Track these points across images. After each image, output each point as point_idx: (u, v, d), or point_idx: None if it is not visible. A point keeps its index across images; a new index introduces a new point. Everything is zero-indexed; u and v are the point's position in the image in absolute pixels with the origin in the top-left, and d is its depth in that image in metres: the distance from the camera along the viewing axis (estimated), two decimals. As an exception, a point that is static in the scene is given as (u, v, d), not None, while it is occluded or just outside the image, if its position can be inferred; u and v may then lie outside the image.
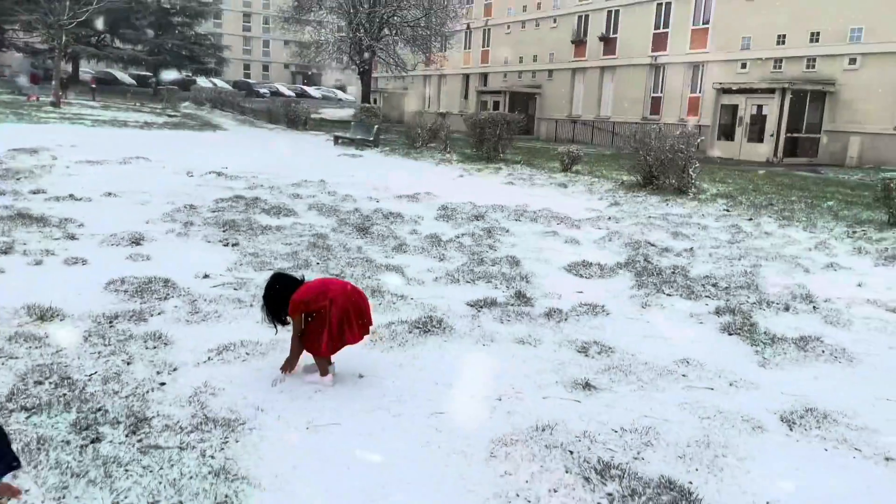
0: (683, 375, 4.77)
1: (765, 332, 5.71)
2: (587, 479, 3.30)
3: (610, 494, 3.19)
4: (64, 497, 2.90)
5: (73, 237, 7.78)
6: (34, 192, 10.27)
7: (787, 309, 6.52)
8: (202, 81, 59.97)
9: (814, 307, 6.64)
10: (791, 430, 4.01)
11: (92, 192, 10.56)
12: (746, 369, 4.97)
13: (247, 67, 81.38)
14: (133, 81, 61.74)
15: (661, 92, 32.42)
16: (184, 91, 48.44)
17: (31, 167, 12.68)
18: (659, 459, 3.57)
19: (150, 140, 20.69)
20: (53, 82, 31.55)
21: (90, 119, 25.91)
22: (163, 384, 4.13)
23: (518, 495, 3.19)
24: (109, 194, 10.65)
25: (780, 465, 3.60)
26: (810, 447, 3.83)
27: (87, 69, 58.92)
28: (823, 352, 5.34)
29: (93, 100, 37.64)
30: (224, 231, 8.67)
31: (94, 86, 41.48)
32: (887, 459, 3.68)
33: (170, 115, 32.31)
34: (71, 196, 10.12)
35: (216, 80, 61.44)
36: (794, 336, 5.64)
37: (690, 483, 3.33)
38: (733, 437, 3.86)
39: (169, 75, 54.20)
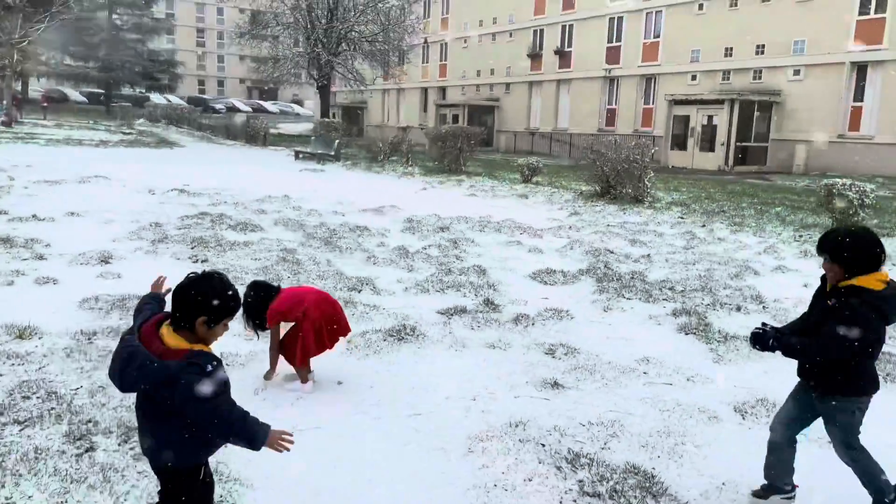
0: (644, 373, 5.08)
1: (718, 332, 6.08)
2: (559, 468, 3.56)
3: (581, 481, 3.45)
4: (66, 501, 3.03)
5: (41, 257, 7.78)
6: (-5, 214, 10.18)
7: (738, 309, 6.91)
8: (156, 98, 59.28)
9: (763, 307, 7.05)
10: (743, 419, 4.34)
11: (54, 213, 10.50)
12: (702, 365, 5.31)
13: (201, 83, 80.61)
14: (84, 99, 60.67)
15: (616, 104, 33.29)
16: (138, 108, 47.79)
17: (-12, 188, 12.53)
18: (624, 449, 3.85)
19: (106, 158, 20.46)
20: (4, 101, 30.90)
21: (44, 138, 25.48)
22: (148, 396, 4.25)
23: (496, 485, 3.43)
24: (73, 214, 10.60)
25: (734, 450, 3.92)
26: (761, 433, 4.13)
27: (36, 87, 57.67)
28: (772, 347, 5.71)
29: (44, 118, 36.94)
30: (192, 248, 8.74)
31: (44, 104, 40.64)
32: (828, 441, 4.01)
33: (125, 133, 31.91)
34: (34, 216, 10.05)
35: (170, 97, 60.78)
36: (746, 334, 5.98)
37: (653, 468, 3.61)
38: (691, 427, 4.17)
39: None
